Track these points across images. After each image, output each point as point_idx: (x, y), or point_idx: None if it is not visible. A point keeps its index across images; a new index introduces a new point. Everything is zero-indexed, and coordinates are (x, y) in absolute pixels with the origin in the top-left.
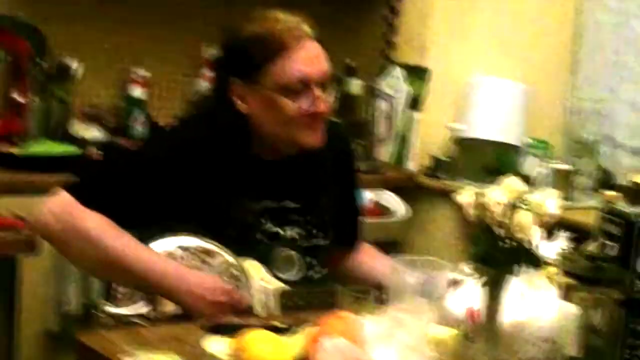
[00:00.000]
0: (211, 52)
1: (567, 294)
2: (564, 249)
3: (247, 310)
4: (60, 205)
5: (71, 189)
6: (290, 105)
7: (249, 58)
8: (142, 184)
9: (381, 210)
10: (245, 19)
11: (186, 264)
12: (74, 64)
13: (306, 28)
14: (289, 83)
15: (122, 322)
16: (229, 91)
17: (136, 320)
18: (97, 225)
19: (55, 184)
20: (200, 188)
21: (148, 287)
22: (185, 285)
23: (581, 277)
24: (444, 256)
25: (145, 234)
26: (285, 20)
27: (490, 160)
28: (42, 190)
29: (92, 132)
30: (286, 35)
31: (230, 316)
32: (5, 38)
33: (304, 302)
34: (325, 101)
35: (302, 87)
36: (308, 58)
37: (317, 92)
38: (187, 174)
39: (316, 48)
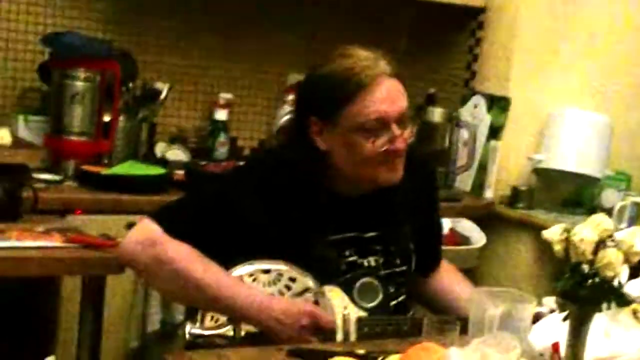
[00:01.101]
0: (294, 78)
1: None
2: None
3: (330, 333)
4: (145, 235)
5: (156, 218)
6: (368, 146)
7: (327, 98)
8: (226, 216)
9: (459, 238)
10: (325, 57)
11: (268, 288)
12: (162, 88)
13: (383, 65)
14: (367, 123)
15: (205, 342)
16: (307, 129)
17: (218, 341)
18: (183, 256)
19: (141, 204)
20: (281, 223)
21: (234, 315)
22: (270, 314)
23: None
24: (520, 287)
25: (230, 262)
26: (363, 57)
27: (570, 192)
28: (128, 210)
29: (177, 154)
30: (364, 73)
31: (314, 341)
32: (98, 61)
33: (382, 330)
34: (403, 138)
35: (380, 126)
36: (385, 97)
37: (395, 130)
38: (268, 209)
39: (393, 85)
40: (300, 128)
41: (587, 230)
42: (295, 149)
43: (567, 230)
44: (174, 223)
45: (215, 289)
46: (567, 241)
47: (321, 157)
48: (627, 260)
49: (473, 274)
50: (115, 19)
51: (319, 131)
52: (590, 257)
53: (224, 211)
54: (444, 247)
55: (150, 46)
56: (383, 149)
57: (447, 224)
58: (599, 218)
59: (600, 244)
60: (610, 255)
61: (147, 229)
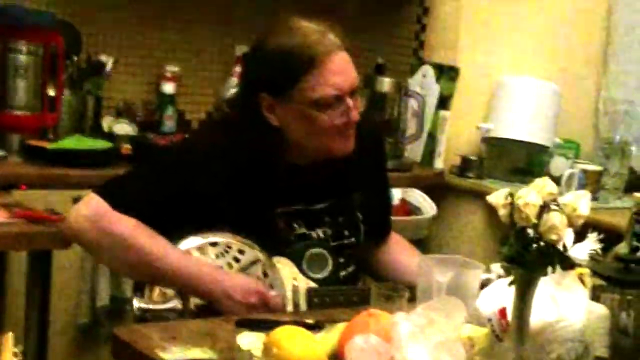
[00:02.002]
0: (241, 49)
1: (596, 295)
2: (594, 250)
3: (279, 310)
4: (93, 211)
5: (103, 193)
6: (324, 119)
7: (279, 75)
8: (173, 189)
9: (409, 208)
10: (271, 30)
11: (217, 261)
12: (107, 60)
13: (333, 37)
14: (322, 98)
15: (154, 316)
16: (257, 105)
17: (167, 314)
18: (131, 230)
19: (87, 178)
20: (229, 194)
21: (182, 289)
22: (220, 287)
23: (611, 279)
24: (472, 255)
25: (177, 234)
26: (312, 31)
27: (520, 160)
28: (74, 184)
29: (124, 128)
30: (315, 49)
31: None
32: (40, 34)
33: (332, 300)
34: (356, 110)
35: (334, 99)
36: (338, 71)
37: (349, 102)
38: (216, 181)
39: (345, 58)
40: (249, 103)
41: (531, 194)
42: (244, 124)
43: (512, 195)
44: (121, 197)
45: (163, 262)
46: (512, 205)
47: (272, 132)
48: (571, 223)
49: (424, 244)
50: None
51: (270, 107)
52: (534, 221)
53: (173, 184)
54: (394, 218)
55: (95, 18)
56: (339, 121)
57: (397, 194)
58: (543, 182)
59: (544, 208)
60: (554, 219)
61: (93, 204)
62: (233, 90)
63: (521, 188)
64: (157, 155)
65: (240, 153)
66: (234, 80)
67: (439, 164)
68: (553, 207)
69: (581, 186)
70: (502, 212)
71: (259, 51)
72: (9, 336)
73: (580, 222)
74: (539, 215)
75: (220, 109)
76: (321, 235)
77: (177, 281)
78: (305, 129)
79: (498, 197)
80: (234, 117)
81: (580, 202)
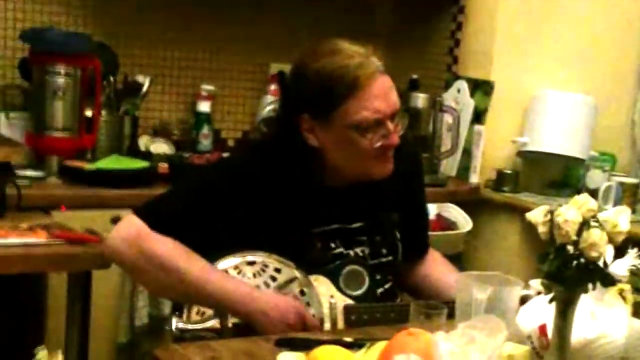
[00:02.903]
0: (276, 68)
1: (638, 311)
2: (634, 266)
3: (316, 329)
4: (131, 231)
5: (141, 214)
6: (364, 143)
7: (321, 97)
8: (211, 210)
9: (445, 223)
10: (314, 52)
11: (254, 280)
12: (144, 80)
13: (375, 61)
14: (363, 121)
15: (192, 336)
16: (298, 125)
17: (205, 334)
18: (169, 251)
19: (125, 198)
20: (266, 214)
21: (221, 309)
22: (257, 307)
23: None
24: (508, 270)
25: (215, 254)
26: (355, 54)
27: (556, 174)
28: (112, 204)
29: (161, 147)
30: (358, 72)
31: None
32: (77, 56)
33: (369, 317)
34: (396, 134)
35: (375, 123)
36: (380, 95)
37: (390, 126)
38: (254, 202)
39: (387, 82)
40: (289, 124)
41: (570, 211)
42: (284, 145)
43: (551, 212)
44: (160, 218)
45: (202, 283)
46: (551, 222)
47: (311, 153)
48: (611, 240)
49: (460, 259)
50: (94, 13)
51: (311, 128)
52: (574, 238)
53: (210, 205)
54: (430, 233)
55: (130, 39)
56: (379, 145)
57: (433, 209)
58: (583, 198)
59: (584, 225)
60: (594, 236)
61: (132, 225)
62: (268, 109)
63: (557, 201)
64: (195, 176)
65: (278, 174)
66: (269, 98)
67: (474, 178)
68: (593, 223)
69: (618, 199)
70: (542, 229)
71: (302, 72)
72: (58, 353)
73: (621, 238)
74: (579, 232)
75: (258, 129)
76: (359, 253)
77: (215, 301)
78: (345, 152)
79: (537, 214)
80: (272, 138)
81: (620, 218)
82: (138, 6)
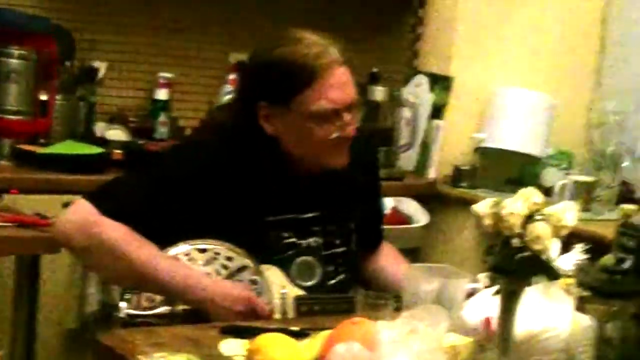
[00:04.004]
0: (235, 57)
1: (582, 305)
2: (580, 261)
3: (267, 318)
4: (81, 216)
5: (92, 199)
6: (319, 132)
7: (279, 85)
8: (163, 197)
9: (401, 217)
10: (274, 41)
11: (205, 267)
12: (100, 66)
13: (335, 52)
14: (320, 111)
15: (141, 322)
16: (255, 112)
17: (155, 320)
18: (119, 237)
19: (78, 184)
20: (220, 201)
21: (171, 296)
22: (207, 294)
23: (596, 289)
24: (463, 265)
25: (167, 241)
26: (315, 44)
27: (512, 170)
28: (65, 189)
29: (117, 134)
30: (317, 62)
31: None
32: (34, 39)
33: (320, 308)
34: (352, 125)
35: (331, 113)
36: (338, 86)
37: (346, 117)
38: (208, 189)
39: (345, 73)
40: (247, 111)
41: (516, 204)
42: (240, 132)
43: (497, 204)
44: (111, 203)
45: (152, 269)
46: (497, 215)
47: (267, 142)
48: (556, 234)
49: (416, 253)
50: None
51: (267, 116)
52: (519, 230)
53: (163, 191)
54: (386, 226)
55: (89, 24)
56: (334, 135)
57: (389, 203)
58: (529, 192)
59: (529, 218)
60: (539, 229)
61: (82, 209)
62: (227, 98)
63: None
64: (148, 162)
65: (233, 161)
66: (228, 87)
67: (431, 173)
68: (538, 217)
69: (573, 197)
70: (488, 221)
71: (260, 59)
72: None
73: (565, 232)
74: (524, 225)
75: (213, 116)
76: (312, 244)
77: (165, 288)
78: (300, 141)
79: (483, 206)
80: (228, 124)
81: (566, 213)
82: None
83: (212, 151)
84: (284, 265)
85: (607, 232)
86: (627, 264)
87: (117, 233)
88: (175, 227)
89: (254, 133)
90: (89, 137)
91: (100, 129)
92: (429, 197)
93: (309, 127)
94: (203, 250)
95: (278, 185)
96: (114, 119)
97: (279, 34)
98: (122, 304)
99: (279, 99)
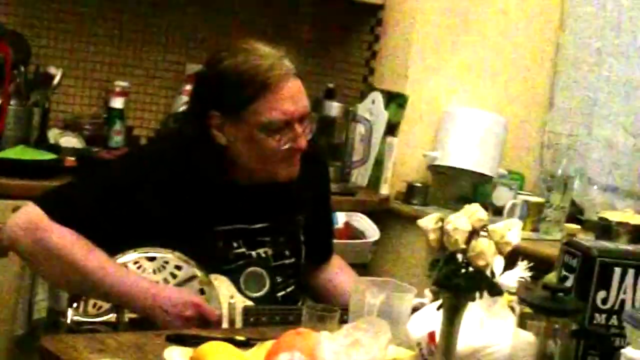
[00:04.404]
0: (192, 68)
1: (524, 322)
2: (523, 278)
3: (216, 323)
4: (29, 220)
5: (41, 203)
6: (270, 143)
7: (232, 95)
8: (112, 202)
9: (353, 232)
10: (228, 51)
11: (154, 276)
12: (56, 73)
13: (288, 64)
14: (272, 122)
15: (87, 329)
16: (207, 122)
17: (101, 328)
18: (67, 242)
19: (30, 189)
20: (169, 209)
21: (119, 303)
22: (155, 302)
23: (538, 306)
24: (413, 281)
25: (116, 248)
26: (268, 55)
27: (464, 189)
28: (16, 195)
29: (70, 141)
30: (269, 74)
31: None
32: None
33: (268, 319)
34: (304, 137)
35: (284, 125)
36: (290, 97)
37: (298, 129)
38: (157, 197)
39: (298, 85)
40: (199, 120)
41: (460, 220)
42: (191, 141)
43: (442, 219)
44: (59, 208)
45: (99, 276)
46: (442, 230)
47: (219, 151)
48: (499, 250)
49: (368, 269)
50: (8, 1)
51: (219, 125)
52: (463, 246)
53: (113, 197)
54: (338, 241)
55: (45, 30)
56: (286, 147)
57: (342, 217)
58: (474, 208)
59: (473, 234)
60: (482, 245)
61: (31, 213)
62: (182, 108)
63: None
64: (100, 168)
65: (185, 169)
66: (184, 98)
67: (384, 189)
68: (482, 233)
69: (523, 217)
70: (432, 236)
71: (214, 69)
72: None
73: (509, 249)
74: (468, 241)
75: (167, 125)
76: (262, 254)
77: (113, 295)
78: (252, 151)
79: (428, 221)
80: (181, 133)
81: (510, 230)
82: None
83: (162, 159)
84: (233, 276)
85: (554, 251)
86: (569, 282)
87: (65, 239)
88: (125, 234)
89: (205, 142)
90: (42, 143)
91: (54, 135)
92: (381, 213)
93: (260, 138)
94: (152, 259)
95: (228, 196)
96: (68, 126)
97: (232, 45)
98: (69, 311)
99: (231, 109)
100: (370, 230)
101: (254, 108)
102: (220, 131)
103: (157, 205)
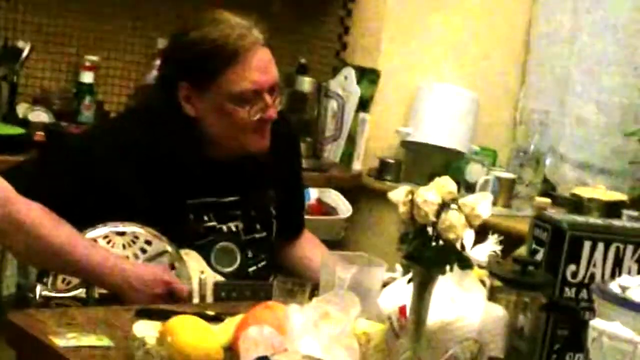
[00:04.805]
0: (163, 43)
1: (494, 296)
2: (494, 252)
3: (186, 300)
4: None
5: (9, 176)
6: (240, 113)
7: (200, 66)
8: (81, 176)
9: (325, 208)
10: (196, 21)
11: (124, 251)
12: (24, 47)
13: (257, 34)
14: (242, 93)
15: (56, 305)
16: (176, 93)
17: (71, 303)
18: (35, 216)
19: None
20: (139, 183)
21: (87, 278)
22: (124, 278)
23: (508, 280)
24: (385, 257)
25: (86, 222)
26: (237, 25)
27: (437, 165)
28: None
29: (39, 115)
30: (239, 43)
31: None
32: None
33: (238, 294)
34: (274, 107)
35: (253, 95)
36: (260, 67)
37: (268, 99)
38: (127, 170)
39: (267, 55)
40: (167, 91)
41: (430, 193)
42: (160, 113)
43: (412, 192)
44: (28, 182)
45: (67, 250)
46: (412, 203)
47: (188, 123)
48: (469, 224)
49: (340, 245)
50: None
51: (188, 96)
52: (433, 219)
53: (82, 170)
54: (310, 217)
55: (12, 3)
56: (256, 118)
57: (314, 194)
58: (443, 181)
59: (443, 207)
60: (452, 218)
61: None
62: (149, 78)
63: None
64: (70, 142)
65: (153, 142)
66: (155, 73)
67: (357, 165)
68: (453, 206)
69: (495, 193)
70: (403, 209)
71: (182, 39)
72: None
73: (479, 222)
74: (438, 214)
75: (137, 97)
76: (232, 229)
77: (82, 271)
78: (222, 122)
79: (398, 194)
80: (150, 106)
81: (480, 203)
82: None
83: (131, 132)
84: (204, 251)
85: (525, 227)
86: (539, 256)
87: (33, 213)
88: (94, 208)
89: (175, 114)
90: (11, 118)
91: (23, 110)
92: (354, 190)
93: (229, 108)
94: (122, 234)
95: (198, 168)
96: (37, 101)
97: (200, 15)
98: (38, 286)
99: (200, 80)
100: (343, 206)
101: (223, 78)
102: (190, 102)
103: (124, 179)
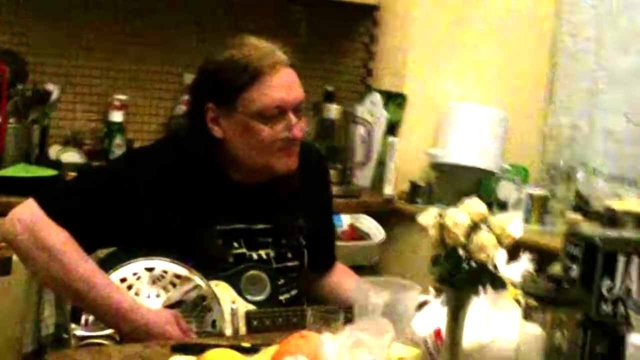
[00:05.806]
0: (190, 78)
1: (530, 314)
2: (527, 271)
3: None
4: (27, 215)
5: (40, 200)
6: (265, 131)
7: (225, 84)
8: (111, 204)
9: (358, 234)
10: (222, 45)
11: (153, 287)
12: (53, 89)
13: (281, 54)
14: (265, 109)
15: (91, 344)
16: (203, 116)
17: (103, 341)
18: (61, 243)
19: None
20: (170, 211)
21: (94, 315)
22: (138, 325)
23: (543, 298)
24: (419, 280)
25: (114, 259)
26: (261, 46)
27: (468, 186)
28: None
29: (71, 156)
30: (262, 61)
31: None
32: None
33: (271, 323)
34: (299, 126)
35: (277, 113)
36: (283, 85)
37: (292, 117)
38: (156, 197)
39: (291, 74)
40: (196, 115)
41: (460, 214)
42: (190, 137)
43: (441, 215)
44: (59, 208)
45: (88, 284)
46: (442, 225)
47: (216, 144)
48: (500, 243)
49: (374, 270)
50: (3, 19)
51: (215, 118)
52: (463, 240)
53: (113, 197)
54: (344, 243)
55: (40, 47)
56: (281, 136)
57: (346, 220)
58: (472, 202)
59: (473, 228)
60: (483, 239)
61: (29, 209)
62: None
63: None
64: (101, 167)
65: (182, 166)
66: (183, 108)
67: (388, 190)
68: (483, 227)
69: (528, 210)
70: (432, 232)
71: (209, 63)
72: None
73: (510, 241)
74: (469, 235)
75: (167, 127)
76: (263, 256)
77: (91, 308)
78: (248, 142)
79: (428, 217)
80: (180, 132)
81: (510, 223)
82: (48, 13)
83: (161, 157)
84: (233, 281)
85: (559, 243)
86: (573, 273)
87: (58, 239)
88: (124, 234)
89: (203, 138)
90: (43, 160)
91: (55, 152)
92: (386, 214)
93: (254, 126)
94: (150, 269)
95: (228, 195)
96: (69, 142)
97: (227, 40)
98: (72, 325)
99: (225, 99)
100: (376, 231)
101: (247, 96)
102: (216, 124)
103: (155, 204)
